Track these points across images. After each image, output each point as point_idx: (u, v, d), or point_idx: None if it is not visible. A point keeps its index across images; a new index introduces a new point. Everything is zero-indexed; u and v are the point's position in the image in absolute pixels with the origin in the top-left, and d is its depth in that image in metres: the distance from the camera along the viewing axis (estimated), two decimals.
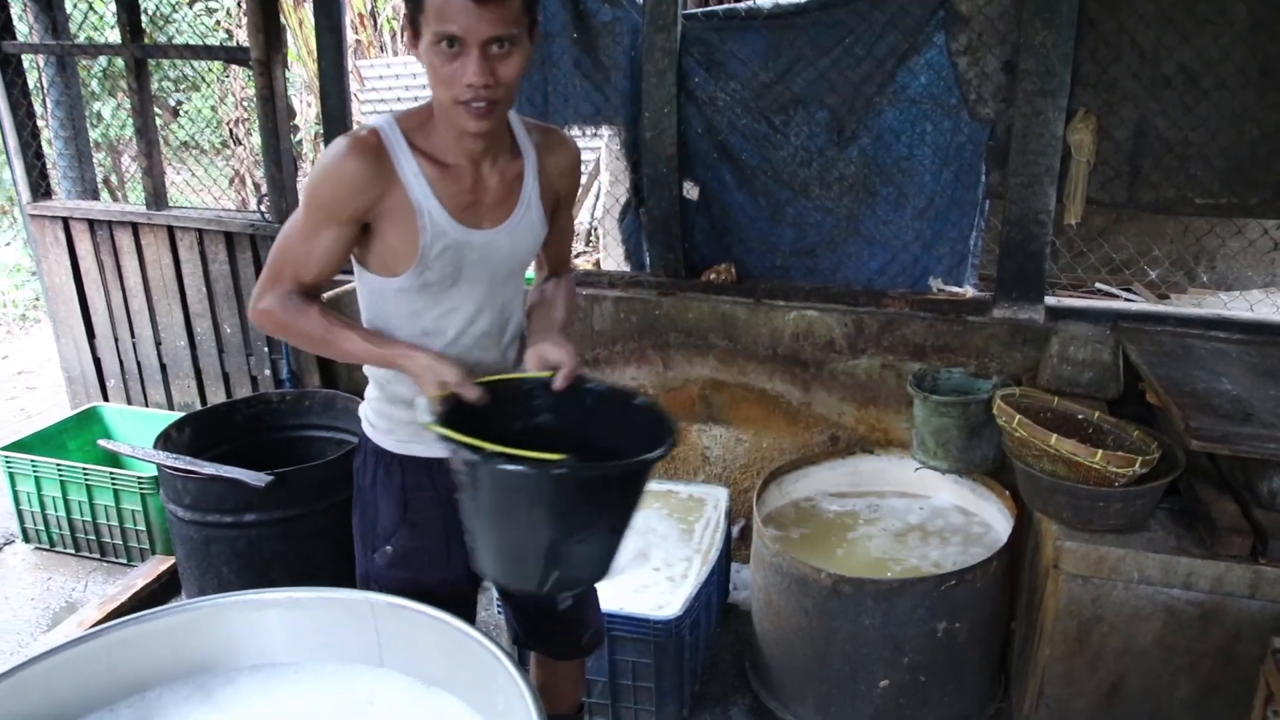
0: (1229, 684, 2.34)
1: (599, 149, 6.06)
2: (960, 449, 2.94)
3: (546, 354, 1.82)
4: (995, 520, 2.92)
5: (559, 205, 1.97)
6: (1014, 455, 2.44)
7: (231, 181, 8.17)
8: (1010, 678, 2.93)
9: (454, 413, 1.64)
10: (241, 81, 8.26)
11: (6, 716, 1.63)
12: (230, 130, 8.60)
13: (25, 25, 4.10)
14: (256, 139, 9.39)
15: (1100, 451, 2.21)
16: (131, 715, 1.75)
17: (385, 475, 1.94)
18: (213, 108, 9.11)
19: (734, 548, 3.48)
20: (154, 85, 8.36)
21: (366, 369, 1.92)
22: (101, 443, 3.49)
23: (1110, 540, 2.31)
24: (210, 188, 6.75)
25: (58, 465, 3.72)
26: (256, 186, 8.29)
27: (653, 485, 3.37)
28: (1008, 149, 3.03)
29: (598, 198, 5.96)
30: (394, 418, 1.91)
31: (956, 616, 2.59)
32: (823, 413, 3.36)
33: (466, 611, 2.03)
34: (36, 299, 7.65)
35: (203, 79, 9.19)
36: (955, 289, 3.25)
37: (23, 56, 4.06)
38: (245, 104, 8.26)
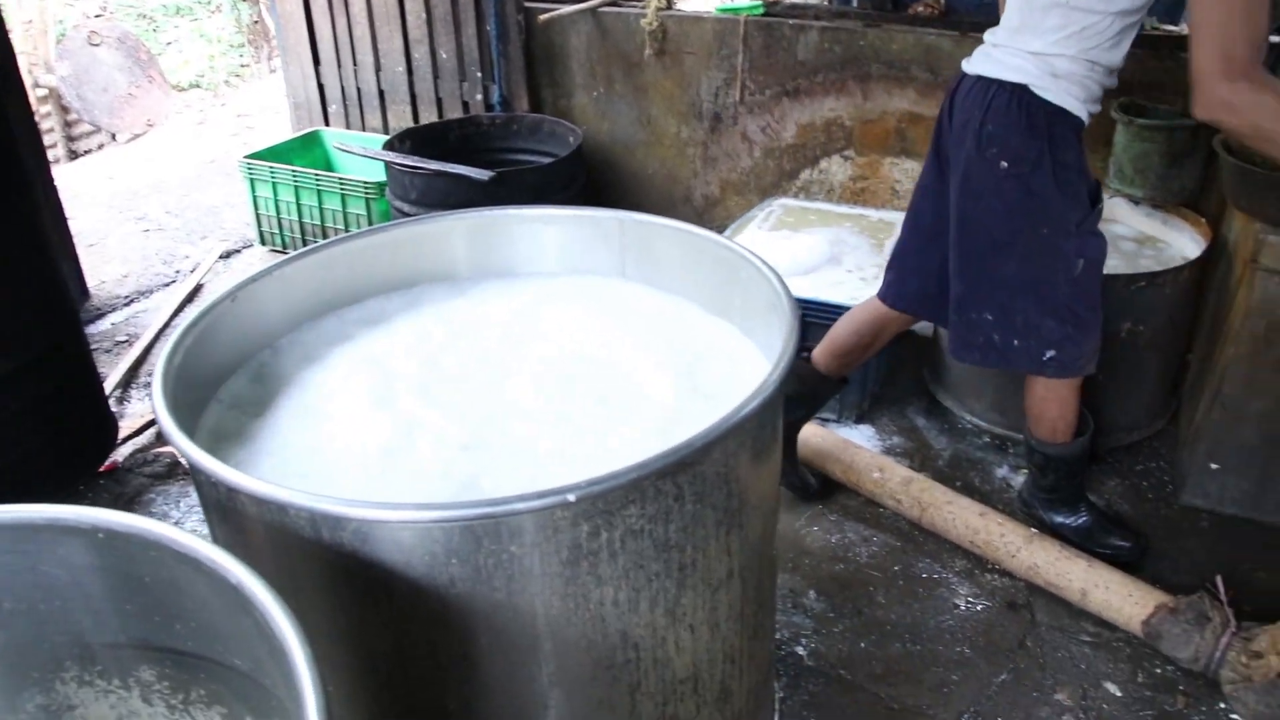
0: None
1: None
2: (1159, 176, 2.98)
3: None
4: (1186, 249, 2.97)
5: None
6: (1231, 154, 2.49)
7: None
8: (1181, 404, 3.05)
9: None
10: None
11: (316, 282, 1.95)
12: None
13: None
14: None
15: None
16: (402, 300, 2.04)
17: (1082, 145, 2.21)
18: None
19: None
20: None
21: (1072, 52, 2.13)
22: (337, 145, 3.84)
23: None
24: None
25: (293, 171, 4.11)
26: None
27: (842, 209, 3.53)
28: None
29: None
30: (1094, 97, 2.18)
31: (1141, 319, 2.71)
32: None
33: None
34: (244, 65, 8.14)
35: None
36: (1171, 27, 3.22)
37: None
38: None
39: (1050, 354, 2.31)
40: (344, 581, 1.32)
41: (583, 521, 1.25)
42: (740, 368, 1.67)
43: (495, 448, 1.53)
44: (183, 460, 1.39)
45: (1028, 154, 2.15)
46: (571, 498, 1.19)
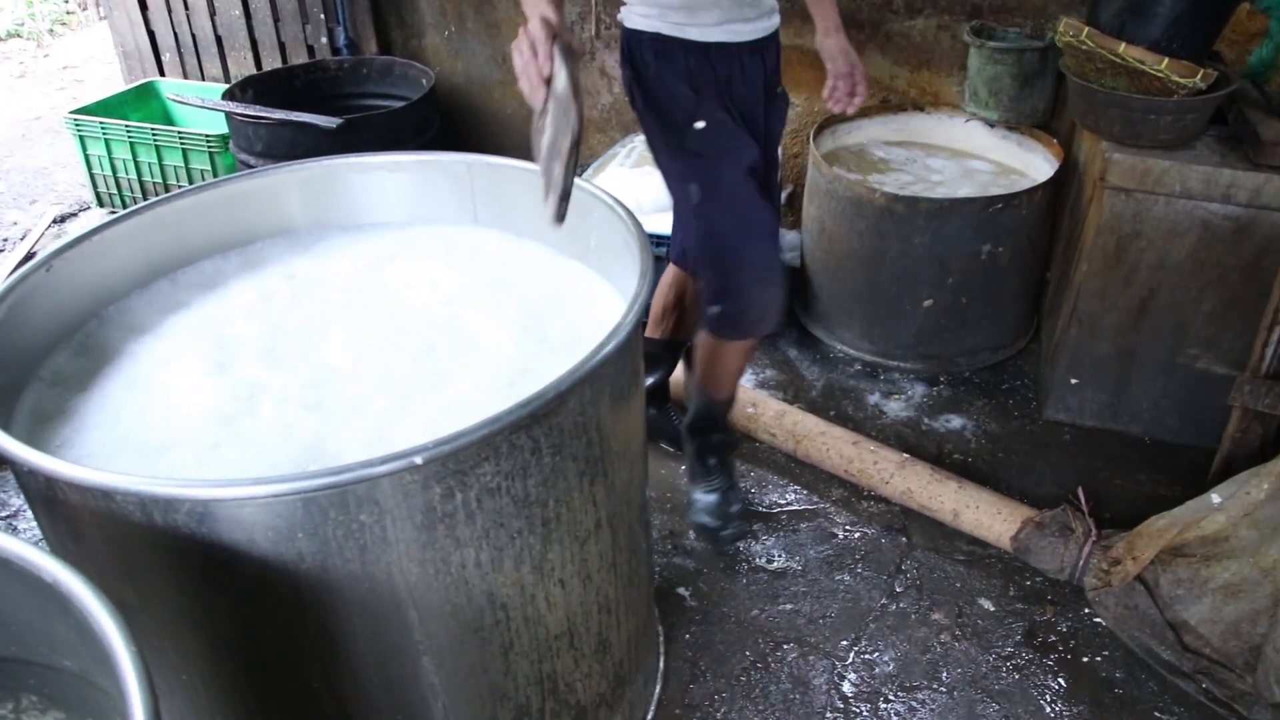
0: (1250, 297, 2.51)
1: None
2: (1011, 98, 3.02)
3: (836, 62, 2.25)
4: (1040, 171, 3.02)
5: None
6: (1074, 74, 2.52)
7: None
8: (1042, 322, 3.13)
9: None
10: None
11: (142, 245, 1.81)
12: None
13: None
14: None
15: (1166, 59, 2.29)
16: (240, 260, 1.92)
17: (667, 61, 2.01)
18: None
19: (781, 215, 3.61)
20: None
21: None
22: (172, 96, 3.59)
23: (1157, 154, 2.43)
24: None
25: (126, 126, 3.84)
26: None
27: None
28: None
29: None
30: (666, 5, 1.97)
31: (1000, 240, 2.76)
32: (876, 75, 3.42)
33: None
34: (69, 13, 7.58)
35: None
36: None
37: None
38: None
39: (713, 309, 2.09)
40: (183, 566, 1.23)
41: (434, 484, 1.18)
42: (598, 311, 1.61)
43: (341, 408, 1.44)
44: None
45: (625, 82, 2.10)
46: (419, 460, 1.12)
